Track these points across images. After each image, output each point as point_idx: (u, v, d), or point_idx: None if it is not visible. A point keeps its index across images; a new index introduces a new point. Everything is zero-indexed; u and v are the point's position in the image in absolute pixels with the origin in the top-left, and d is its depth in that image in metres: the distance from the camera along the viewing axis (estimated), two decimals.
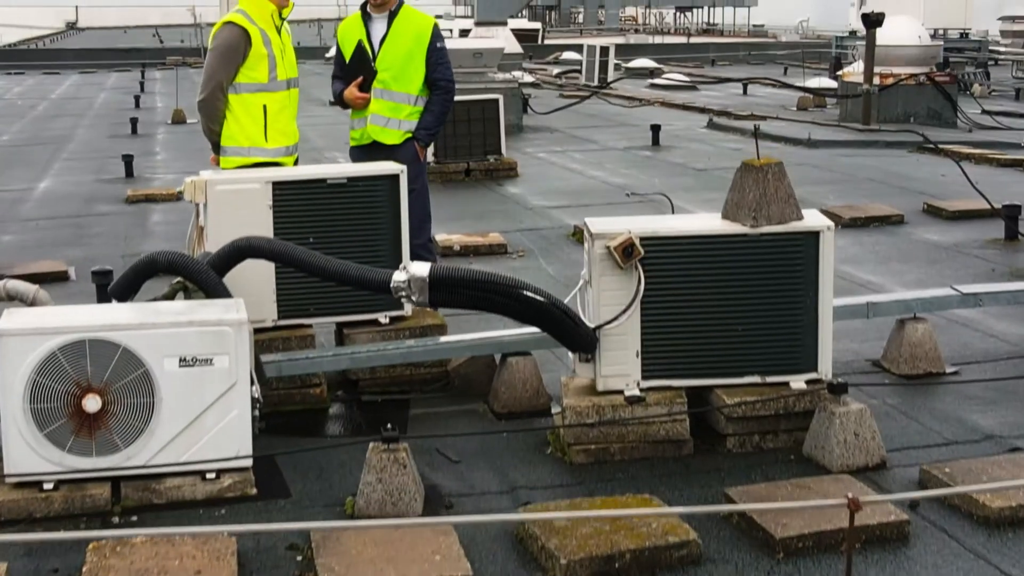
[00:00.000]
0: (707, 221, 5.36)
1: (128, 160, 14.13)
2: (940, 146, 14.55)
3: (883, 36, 17.41)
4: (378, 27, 6.96)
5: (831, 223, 5.18)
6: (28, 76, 35.73)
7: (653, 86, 26.97)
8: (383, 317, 6.10)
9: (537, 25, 47.09)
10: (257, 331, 5.94)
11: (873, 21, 16.84)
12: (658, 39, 50.01)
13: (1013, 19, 43.88)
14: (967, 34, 29.48)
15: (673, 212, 8.01)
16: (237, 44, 6.58)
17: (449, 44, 17.69)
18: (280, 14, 6.74)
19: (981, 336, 6.76)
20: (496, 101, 13.12)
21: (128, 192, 12.43)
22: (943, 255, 8.88)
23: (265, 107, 6.68)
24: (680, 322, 5.14)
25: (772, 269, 5.14)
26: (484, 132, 13.07)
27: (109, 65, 38.50)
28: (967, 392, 5.80)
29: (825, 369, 5.22)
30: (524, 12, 64.88)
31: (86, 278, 7.50)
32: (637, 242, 4.97)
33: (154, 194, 12.30)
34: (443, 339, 5.97)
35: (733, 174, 5.33)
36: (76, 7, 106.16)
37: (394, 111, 6.96)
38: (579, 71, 27.32)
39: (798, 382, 5.20)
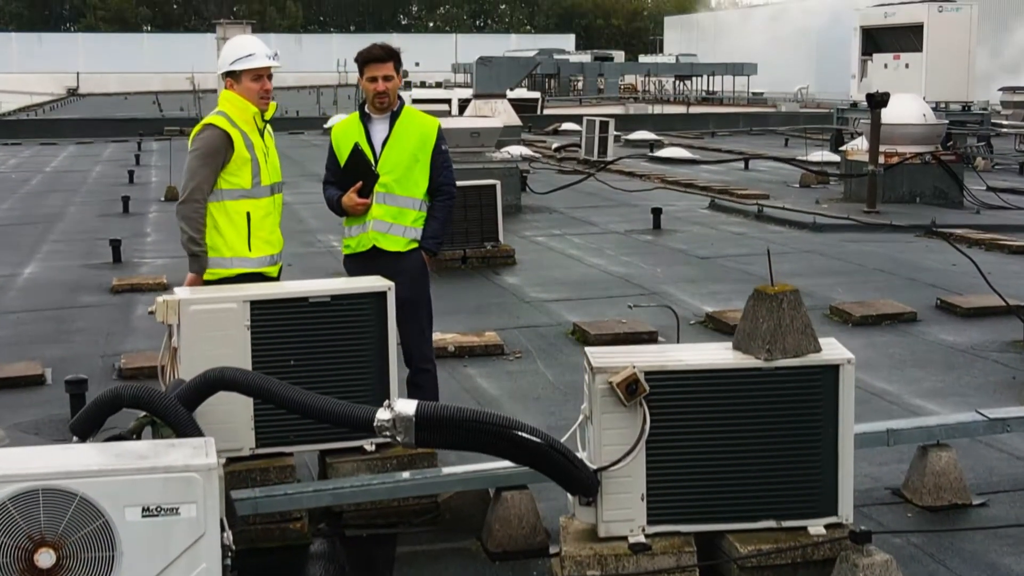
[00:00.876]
0: (717, 353, 4.96)
1: (116, 245, 13.79)
2: (950, 231, 14.25)
3: (887, 114, 17.14)
4: (379, 128, 6.55)
5: (851, 355, 4.79)
6: (25, 147, 35.53)
7: (653, 160, 26.69)
8: (369, 444, 5.70)
9: (536, 95, 47.03)
10: (233, 460, 5.55)
11: (878, 101, 16.56)
12: (658, 108, 49.92)
13: (1014, 90, 43.84)
14: (969, 107, 29.26)
15: (678, 322, 7.59)
16: (218, 147, 6.22)
17: (446, 123, 17.44)
18: (262, 116, 6.40)
19: (1007, 460, 6.35)
20: (494, 187, 12.80)
21: (114, 281, 12.07)
22: (960, 359, 8.48)
23: (248, 214, 6.31)
24: (689, 462, 4.75)
25: (788, 405, 4.76)
26: (481, 218, 12.73)
27: (107, 135, 38.33)
28: (998, 529, 5.38)
29: (846, 512, 4.81)
30: (523, 81, 64.93)
31: (63, 382, 7.11)
32: (642, 378, 4.58)
33: (140, 283, 11.94)
34: (432, 472, 5.56)
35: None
36: (77, 73, 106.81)
37: (398, 217, 6.53)
38: (579, 145, 27.05)
39: (817, 527, 4.79)
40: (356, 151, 6.45)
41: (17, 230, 16.79)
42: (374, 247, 6.53)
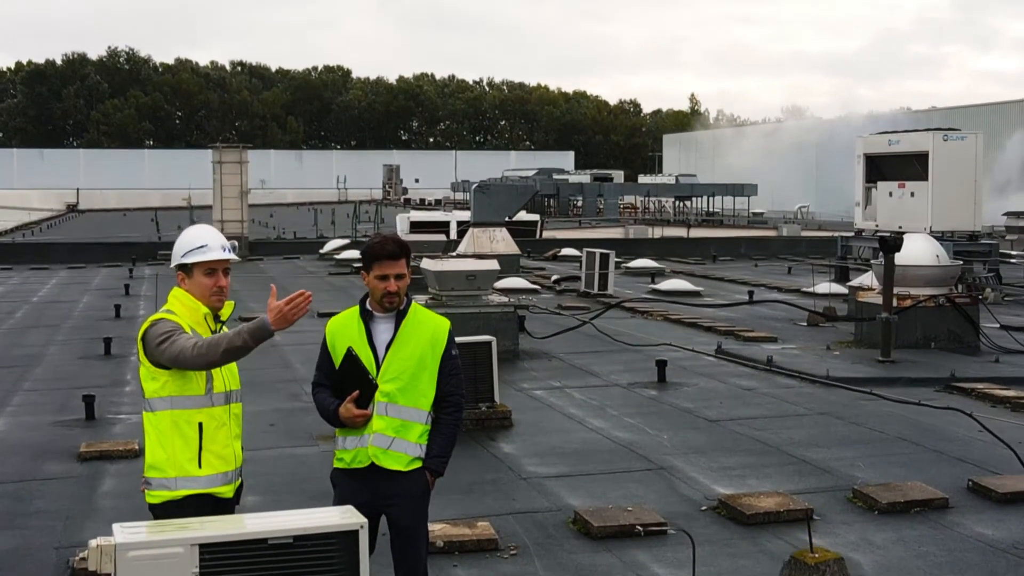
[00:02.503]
0: None
1: (89, 401, 13.02)
2: (971, 387, 13.56)
3: (900, 256, 16.50)
4: (383, 328, 5.75)
5: None
6: (15, 273, 34.98)
7: (655, 292, 26.05)
8: None
9: (536, 217, 46.64)
10: None
11: (891, 246, 15.93)
12: (658, 231, 49.50)
13: (1018, 215, 43.54)
14: (976, 236, 28.76)
15: (694, 549, 6.76)
16: (177, 327, 5.51)
17: (440, 266, 16.79)
18: (216, 316, 5.69)
19: None
20: (489, 344, 12.06)
21: (82, 446, 11.27)
22: (1002, 563, 7.64)
23: (201, 425, 5.56)
24: None
25: None
26: (475, 377, 11.95)
27: (99, 260, 37.83)
28: None
29: None
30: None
31: None
32: None
33: (110, 450, 11.13)
34: None
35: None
36: (77, 190, 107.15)
37: (401, 431, 5.70)
38: (578, 276, 26.44)
39: None
40: (351, 356, 5.62)
41: None
42: (372, 464, 5.71)
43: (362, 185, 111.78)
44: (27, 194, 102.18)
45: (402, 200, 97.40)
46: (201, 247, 5.68)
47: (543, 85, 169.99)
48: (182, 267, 5.68)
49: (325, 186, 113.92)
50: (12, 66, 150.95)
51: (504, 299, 16.85)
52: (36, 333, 20.74)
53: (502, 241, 30.34)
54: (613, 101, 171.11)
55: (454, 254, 16.74)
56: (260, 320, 5.30)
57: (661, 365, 14.65)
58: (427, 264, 16.84)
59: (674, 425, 12.01)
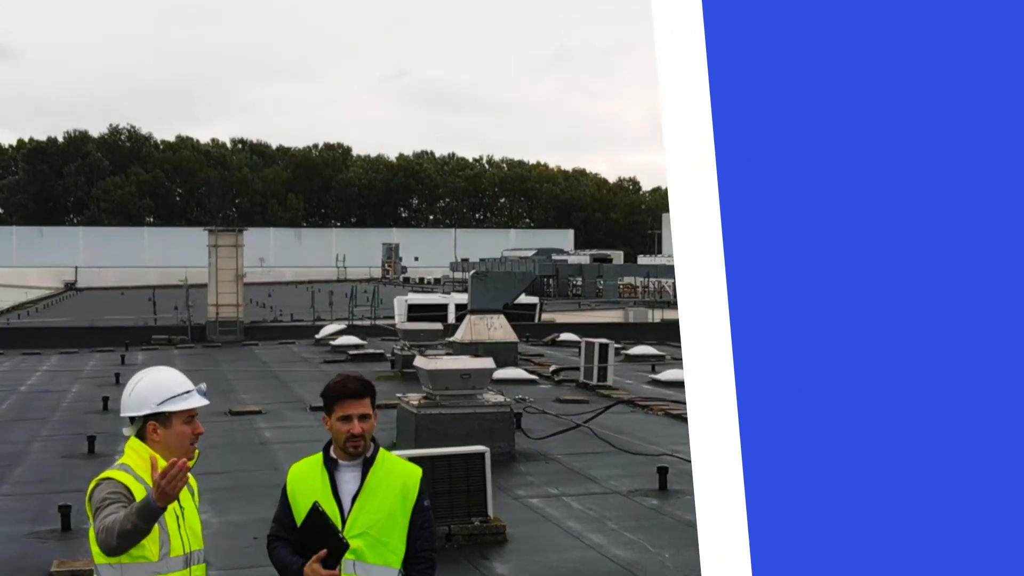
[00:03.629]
0: None
1: (65, 513, 12.49)
2: None
3: None
4: (348, 478, 5.21)
5: None
6: (7, 358, 34.49)
7: (656, 383, 25.56)
8: None
9: (535, 300, 46.24)
10: None
11: None
12: (659, 314, 49.09)
13: None
14: None
15: None
16: (123, 493, 4.98)
17: (434, 364, 16.29)
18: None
19: None
20: (482, 456, 11.57)
21: (55, 564, 10.74)
22: None
23: None
24: None
25: None
26: (468, 490, 11.47)
27: (93, 344, 37.40)
28: None
29: None
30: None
31: None
32: None
33: (83, 569, 10.59)
34: None
35: None
36: (75, 268, 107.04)
37: None
38: (577, 367, 25.97)
39: None
40: (316, 512, 5.03)
41: None
42: None
43: (361, 263, 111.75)
44: (25, 272, 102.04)
45: (401, 279, 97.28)
46: (185, 393, 5.19)
47: (543, 163, 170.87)
48: (156, 416, 5.17)
49: (324, 264, 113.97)
50: (14, 143, 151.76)
51: (500, 398, 16.36)
52: (21, 428, 20.22)
53: (500, 328, 29.89)
54: (612, 178, 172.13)
55: (445, 353, 16.20)
56: (145, 499, 4.74)
57: (662, 472, 14.13)
58: (421, 362, 16.39)
59: (675, 541, 11.48)
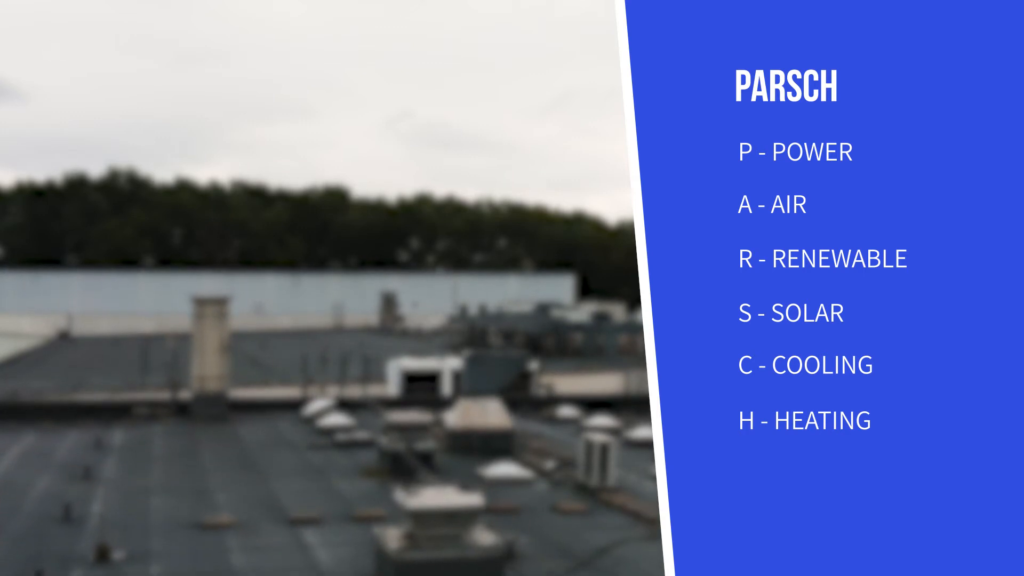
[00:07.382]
0: None
1: None
2: None
3: None
4: None
5: None
6: None
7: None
8: None
9: (532, 366, 44.54)
10: None
11: None
12: None
13: None
14: None
15: None
16: None
17: (417, 501, 14.72)
18: None
19: None
20: None
21: None
22: None
23: None
24: None
25: None
26: None
27: (71, 420, 35.82)
28: None
29: None
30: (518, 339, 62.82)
31: None
32: None
33: None
34: None
35: None
36: (69, 315, 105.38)
37: None
38: (574, 466, 24.43)
39: None
40: None
41: None
42: None
43: (359, 310, 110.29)
44: (18, 319, 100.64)
45: (399, 331, 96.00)
46: None
47: (542, 205, 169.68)
48: None
49: (321, 310, 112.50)
50: (12, 184, 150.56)
51: (491, 540, 14.81)
52: None
53: (494, 413, 28.41)
54: (613, 217, 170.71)
55: (428, 491, 14.54)
56: None
57: None
58: (401, 498, 14.85)
59: None
